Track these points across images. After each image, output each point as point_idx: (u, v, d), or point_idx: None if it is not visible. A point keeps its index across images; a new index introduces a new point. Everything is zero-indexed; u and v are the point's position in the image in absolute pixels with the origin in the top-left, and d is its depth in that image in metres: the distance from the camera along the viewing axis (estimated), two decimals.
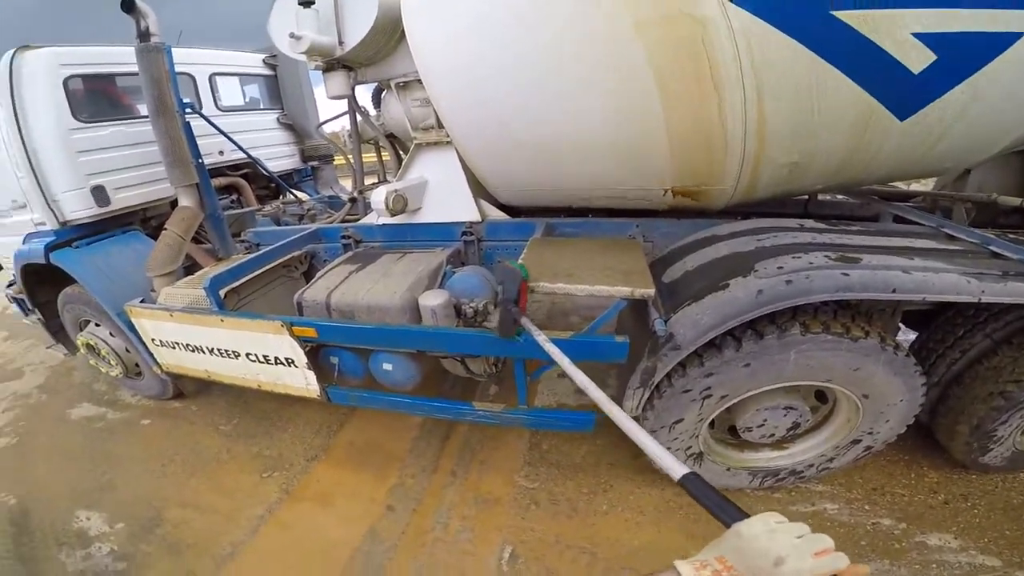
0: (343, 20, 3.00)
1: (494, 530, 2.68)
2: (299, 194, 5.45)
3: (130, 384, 4.34)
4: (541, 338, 1.84)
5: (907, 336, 2.93)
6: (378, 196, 3.05)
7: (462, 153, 3.01)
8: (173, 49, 3.30)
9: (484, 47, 2.42)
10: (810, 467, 2.69)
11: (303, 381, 2.88)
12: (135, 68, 3.22)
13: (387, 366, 2.73)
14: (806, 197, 3.46)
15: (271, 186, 5.41)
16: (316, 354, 2.92)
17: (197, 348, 3.16)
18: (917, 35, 1.84)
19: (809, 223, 2.52)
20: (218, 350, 3.06)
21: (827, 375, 2.25)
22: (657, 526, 2.63)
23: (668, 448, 2.53)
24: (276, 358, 2.85)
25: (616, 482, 2.90)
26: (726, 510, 0.81)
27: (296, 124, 5.55)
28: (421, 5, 2.60)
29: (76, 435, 4.07)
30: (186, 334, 3.13)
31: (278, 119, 5.44)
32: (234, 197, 4.97)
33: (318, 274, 3.02)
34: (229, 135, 4.39)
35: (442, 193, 3.32)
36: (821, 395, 2.60)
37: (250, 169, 5.07)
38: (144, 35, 3.16)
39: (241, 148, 4.56)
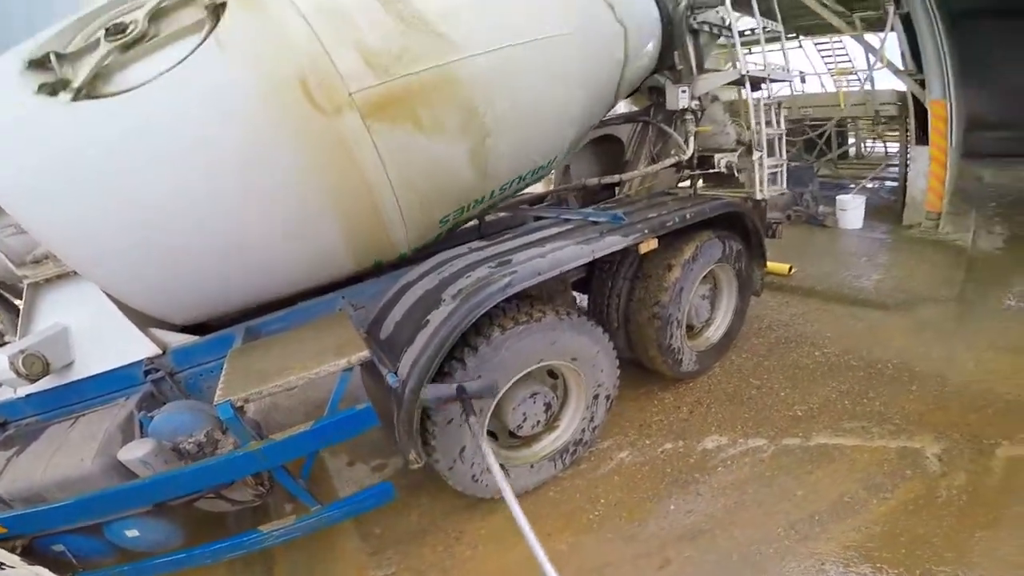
0: None
1: None
2: None
3: None
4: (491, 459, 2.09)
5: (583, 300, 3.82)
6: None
7: (100, 287, 2.68)
8: None
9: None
10: (584, 431, 3.27)
11: None
12: None
13: (131, 532, 2.43)
14: (477, 223, 4.20)
15: None
16: (30, 549, 2.43)
17: None
18: None
19: (475, 244, 3.13)
20: None
21: (537, 357, 2.81)
22: (520, 541, 2.76)
23: (474, 476, 2.83)
24: None
25: (462, 526, 3.01)
26: None
27: None
28: None
29: None
30: None
31: None
32: None
33: None
34: None
35: (95, 335, 2.81)
36: (553, 374, 3.18)
37: None
38: None
39: None
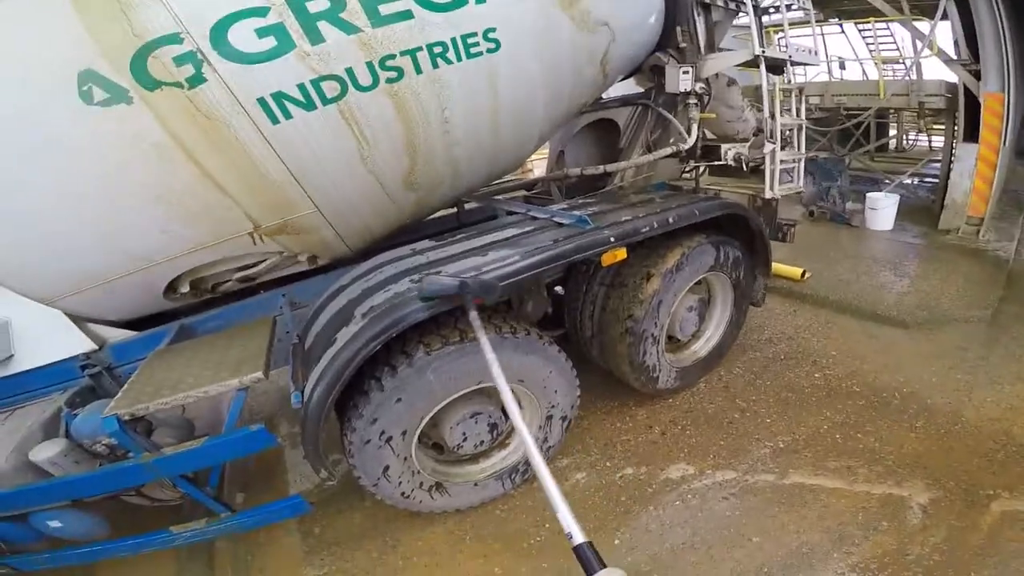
0: None
1: None
2: None
3: None
4: (483, 338, 1.94)
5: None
6: None
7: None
8: None
9: None
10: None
11: None
12: None
13: (54, 523, 2.44)
14: (456, 210, 3.86)
15: None
16: None
17: None
18: None
19: (422, 244, 2.77)
20: None
21: (474, 379, 2.46)
22: (454, 559, 2.69)
23: (403, 493, 2.60)
24: None
25: (400, 535, 2.86)
26: (590, 560, 1.14)
27: None
28: None
29: None
30: None
31: None
32: None
33: None
34: None
35: (36, 330, 2.72)
36: None
37: None
38: None
39: None
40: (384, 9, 2.16)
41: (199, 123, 2.09)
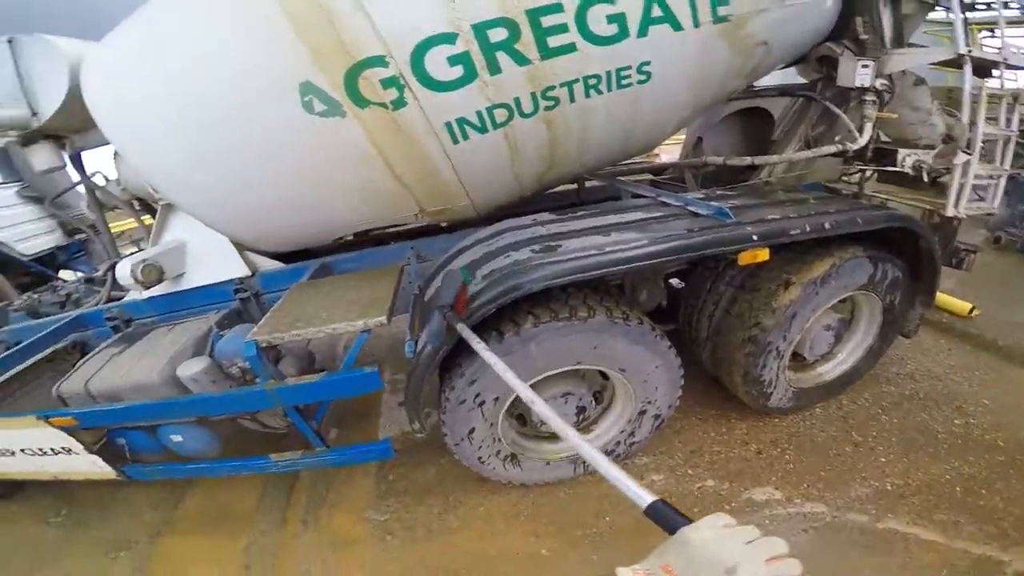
0: (31, 88, 2.81)
1: (357, 569, 2.68)
2: (67, 275, 4.86)
3: None
4: (480, 346, 1.80)
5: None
6: (123, 270, 2.87)
7: (198, 219, 2.91)
8: None
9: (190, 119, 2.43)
10: (618, 444, 2.88)
11: (92, 465, 2.79)
12: None
13: (176, 438, 2.72)
14: (576, 187, 3.83)
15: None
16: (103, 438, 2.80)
17: None
18: None
19: (544, 216, 2.76)
20: None
21: (573, 359, 2.44)
22: (507, 532, 2.76)
23: (480, 458, 2.67)
24: (53, 449, 2.75)
25: (464, 496, 2.98)
26: (670, 516, 0.82)
27: (47, 196, 4.95)
28: (104, 74, 2.47)
29: None
30: None
31: (18, 193, 4.80)
32: None
33: (78, 363, 2.80)
34: None
35: (204, 253, 3.15)
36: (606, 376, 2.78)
37: None
38: None
39: None
40: (552, 41, 2.28)
41: (398, 139, 2.44)
